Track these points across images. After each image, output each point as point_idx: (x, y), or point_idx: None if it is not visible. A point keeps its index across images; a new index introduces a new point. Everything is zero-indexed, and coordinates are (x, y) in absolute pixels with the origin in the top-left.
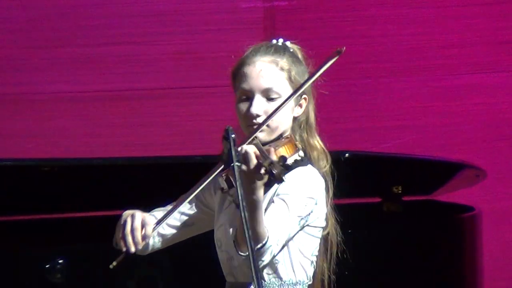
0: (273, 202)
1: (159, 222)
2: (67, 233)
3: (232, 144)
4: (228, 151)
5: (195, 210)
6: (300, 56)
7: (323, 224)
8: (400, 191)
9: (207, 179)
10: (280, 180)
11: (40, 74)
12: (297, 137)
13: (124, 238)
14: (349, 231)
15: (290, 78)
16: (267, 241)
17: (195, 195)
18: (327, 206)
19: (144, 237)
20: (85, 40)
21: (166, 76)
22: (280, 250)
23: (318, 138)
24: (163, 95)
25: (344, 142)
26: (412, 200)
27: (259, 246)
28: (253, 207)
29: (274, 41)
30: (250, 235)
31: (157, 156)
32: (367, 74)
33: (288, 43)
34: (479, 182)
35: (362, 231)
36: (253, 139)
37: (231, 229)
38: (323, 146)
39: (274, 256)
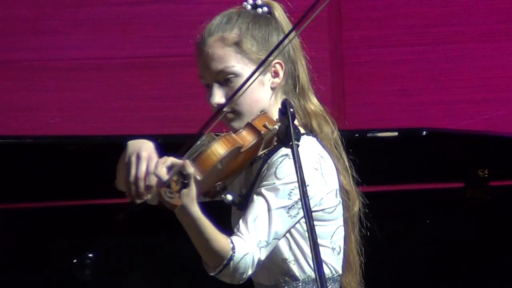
0: (252, 201)
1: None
2: (98, 223)
3: (290, 119)
4: (286, 128)
5: None
6: (277, 13)
7: (334, 203)
8: (486, 175)
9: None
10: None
11: (63, 37)
12: (297, 104)
13: (127, 186)
14: (427, 221)
15: (242, 51)
16: (233, 254)
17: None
18: (339, 179)
19: (148, 188)
20: None
21: None
22: (269, 250)
23: (315, 100)
24: None
25: (421, 118)
26: (501, 186)
27: (224, 262)
28: (194, 227)
29: (244, 4)
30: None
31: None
32: (447, 39)
33: (259, 1)
34: None
35: (441, 221)
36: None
37: None
38: (322, 109)
39: (264, 258)
